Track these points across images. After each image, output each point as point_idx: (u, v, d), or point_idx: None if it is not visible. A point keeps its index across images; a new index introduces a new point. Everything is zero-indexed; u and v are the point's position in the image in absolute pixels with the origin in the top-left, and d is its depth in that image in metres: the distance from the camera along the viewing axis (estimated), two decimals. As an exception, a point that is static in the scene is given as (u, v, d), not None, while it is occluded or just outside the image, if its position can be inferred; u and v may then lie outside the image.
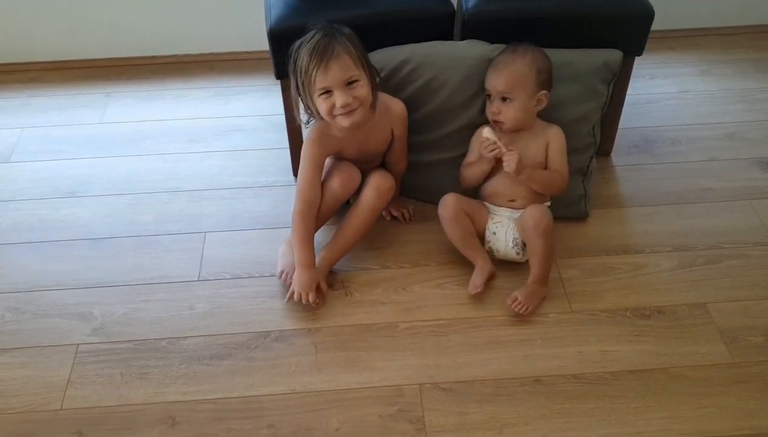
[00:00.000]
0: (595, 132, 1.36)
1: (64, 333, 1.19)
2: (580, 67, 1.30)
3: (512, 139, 1.26)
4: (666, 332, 1.17)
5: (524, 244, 1.25)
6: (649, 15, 1.31)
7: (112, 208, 1.44)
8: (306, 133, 1.27)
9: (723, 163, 1.51)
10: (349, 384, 1.10)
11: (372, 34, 1.24)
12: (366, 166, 1.31)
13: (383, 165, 1.36)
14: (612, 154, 1.54)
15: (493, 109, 1.25)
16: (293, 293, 1.21)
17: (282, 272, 1.26)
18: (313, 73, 1.13)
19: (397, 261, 1.31)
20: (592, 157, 1.37)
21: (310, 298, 1.20)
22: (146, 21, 1.81)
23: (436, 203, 1.29)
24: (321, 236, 1.30)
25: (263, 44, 1.32)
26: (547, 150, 1.27)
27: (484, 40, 1.32)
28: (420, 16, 1.33)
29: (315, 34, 1.14)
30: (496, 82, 1.23)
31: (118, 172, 1.54)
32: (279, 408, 1.08)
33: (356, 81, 1.15)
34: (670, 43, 1.87)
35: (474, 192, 1.33)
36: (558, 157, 1.27)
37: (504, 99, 1.23)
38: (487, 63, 1.27)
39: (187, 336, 1.18)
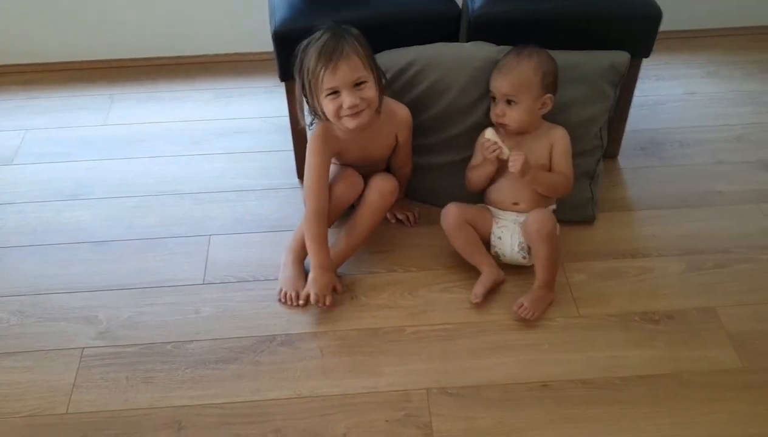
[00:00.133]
0: (602, 134, 1.35)
1: (70, 336, 1.19)
2: (587, 69, 1.29)
3: (517, 141, 1.25)
4: (675, 337, 1.16)
5: (530, 248, 1.24)
6: (656, 16, 1.30)
7: (115, 211, 1.44)
8: (310, 134, 1.26)
9: (731, 165, 1.50)
10: (355, 389, 1.10)
11: (377, 36, 1.23)
12: (369, 170, 1.30)
13: (388, 169, 1.35)
14: (618, 157, 1.53)
15: (497, 111, 1.24)
16: (307, 295, 1.19)
17: (281, 291, 1.24)
18: (321, 73, 1.12)
19: (403, 265, 1.30)
20: (599, 160, 1.37)
21: (327, 301, 1.18)
22: (148, 22, 1.80)
23: (441, 206, 1.28)
24: (325, 239, 1.30)
25: (265, 45, 1.31)
26: (551, 152, 1.26)
27: (490, 42, 1.31)
28: (425, 17, 1.32)
29: (323, 34, 1.13)
30: (500, 84, 1.22)
31: (121, 175, 1.53)
32: (285, 413, 1.07)
33: (364, 82, 1.14)
34: (676, 44, 1.86)
35: (479, 195, 1.32)
36: (562, 159, 1.26)
37: (509, 102, 1.23)
38: (493, 65, 1.26)
39: (192, 340, 1.18)
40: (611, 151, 1.50)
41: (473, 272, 1.25)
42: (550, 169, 1.26)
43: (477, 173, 1.29)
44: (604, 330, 1.18)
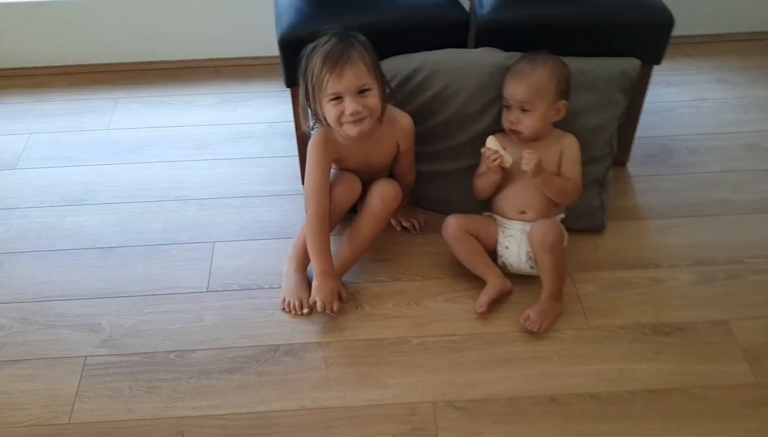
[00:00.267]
0: (612, 142, 1.33)
1: (72, 344, 1.18)
2: (597, 76, 1.28)
3: (526, 148, 1.23)
4: (686, 350, 1.14)
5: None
6: (668, 23, 1.28)
7: (119, 216, 1.43)
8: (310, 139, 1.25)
9: (742, 173, 1.48)
10: (361, 401, 1.08)
11: (384, 42, 1.21)
12: (370, 177, 1.28)
13: (391, 176, 1.33)
14: (628, 164, 1.51)
15: (511, 118, 1.23)
16: (313, 303, 1.17)
17: (284, 300, 1.23)
18: (326, 78, 1.10)
19: (408, 274, 1.29)
20: (608, 168, 1.35)
21: (334, 307, 1.17)
22: (153, 26, 1.80)
23: (449, 213, 1.27)
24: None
25: (270, 50, 1.30)
26: (561, 159, 1.24)
27: (499, 48, 1.29)
28: (433, 23, 1.30)
29: (330, 39, 1.12)
30: (515, 91, 1.21)
31: (125, 180, 1.52)
32: (289, 424, 1.06)
33: (368, 89, 1.13)
34: (685, 49, 1.84)
35: (487, 204, 1.30)
36: (572, 166, 1.24)
37: (523, 109, 1.21)
38: (502, 71, 1.24)
39: (196, 349, 1.16)
40: (620, 159, 1.48)
41: (480, 281, 1.24)
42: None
43: (483, 181, 1.27)
44: (614, 342, 1.16)
